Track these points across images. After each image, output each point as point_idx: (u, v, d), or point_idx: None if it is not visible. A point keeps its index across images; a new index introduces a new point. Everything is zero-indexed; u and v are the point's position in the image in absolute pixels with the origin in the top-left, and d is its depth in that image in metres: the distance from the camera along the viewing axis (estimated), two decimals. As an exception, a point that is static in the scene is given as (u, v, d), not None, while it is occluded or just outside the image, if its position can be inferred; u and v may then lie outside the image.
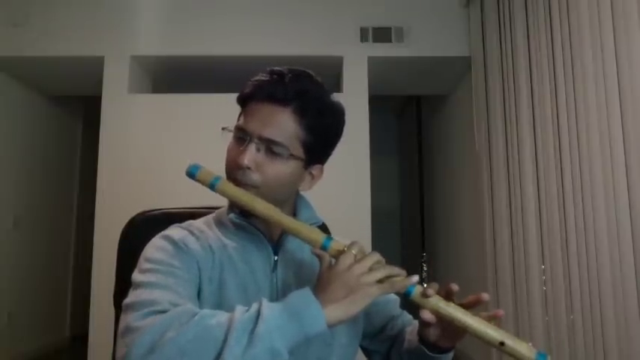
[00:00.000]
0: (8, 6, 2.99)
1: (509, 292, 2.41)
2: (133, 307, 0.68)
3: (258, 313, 0.64)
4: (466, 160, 3.30)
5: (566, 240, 1.92)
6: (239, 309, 0.65)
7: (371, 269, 0.70)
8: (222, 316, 0.64)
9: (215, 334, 0.61)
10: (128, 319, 0.66)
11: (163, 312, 0.65)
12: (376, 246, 2.89)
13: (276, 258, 0.84)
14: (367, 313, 0.91)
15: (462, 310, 0.73)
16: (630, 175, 1.57)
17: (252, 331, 0.62)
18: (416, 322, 0.88)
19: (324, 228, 1.06)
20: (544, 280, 2.13)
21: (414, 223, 4.62)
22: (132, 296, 0.70)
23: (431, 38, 3.05)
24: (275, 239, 0.86)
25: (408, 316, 0.97)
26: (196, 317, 0.64)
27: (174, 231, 0.83)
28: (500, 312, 0.75)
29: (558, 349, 1.97)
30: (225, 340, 0.60)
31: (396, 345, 0.92)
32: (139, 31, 3.04)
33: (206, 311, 0.66)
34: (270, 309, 0.64)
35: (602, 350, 1.69)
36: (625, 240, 1.58)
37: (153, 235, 0.83)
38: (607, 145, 1.67)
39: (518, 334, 2.31)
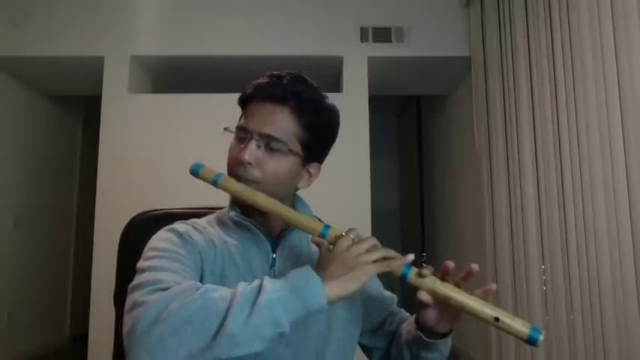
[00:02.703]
0: (8, 6, 2.99)
1: (509, 292, 2.42)
2: (138, 286, 0.69)
3: (260, 286, 0.66)
4: (466, 160, 3.30)
5: (566, 240, 1.92)
6: (241, 284, 0.68)
7: (368, 251, 0.73)
8: (225, 290, 0.67)
9: (218, 305, 0.63)
10: (134, 296, 0.68)
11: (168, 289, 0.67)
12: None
13: (274, 255, 0.86)
14: (366, 309, 0.93)
15: (458, 289, 0.74)
16: (630, 175, 1.57)
17: (254, 302, 0.64)
18: (413, 317, 0.89)
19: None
20: (544, 280, 2.13)
21: (414, 223, 4.62)
22: (137, 279, 0.72)
23: (431, 38, 3.05)
24: (274, 236, 0.88)
25: (405, 314, 0.98)
26: (200, 290, 0.66)
27: (179, 225, 0.86)
28: (493, 286, 0.77)
29: (558, 349, 1.97)
30: (228, 310, 0.63)
31: (395, 339, 0.93)
32: (139, 31, 3.04)
33: (209, 285, 0.68)
34: (271, 283, 0.67)
35: (602, 350, 1.69)
36: (625, 240, 1.58)
37: (152, 236, 0.83)
38: (607, 145, 1.67)
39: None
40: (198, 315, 0.62)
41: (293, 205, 0.92)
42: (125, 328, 0.65)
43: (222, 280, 0.80)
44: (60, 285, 4.03)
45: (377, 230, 2.95)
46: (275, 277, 0.83)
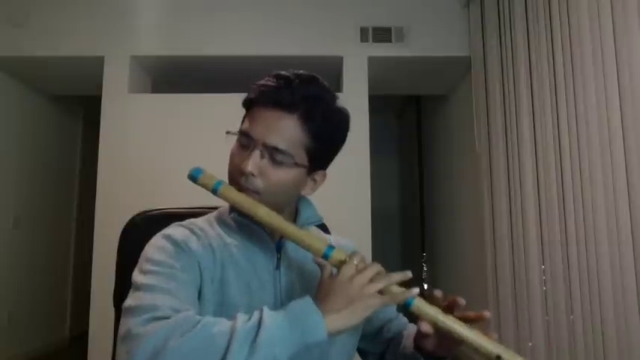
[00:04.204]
0: (8, 6, 2.99)
1: (509, 292, 2.41)
2: (133, 311, 0.68)
3: (260, 322, 0.64)
4: (466, 160, 3.30)
5: (566, 240, 1.92)
6: (240, 317, 0.66)
7: (372, 280, 0.70)
8: (223, 325, 0.65)
9: (217, 343, 0.62)
10: (129, 324, 0.66)
11: (164, 318, 0.65)
12: (376, 246, 2.90)
13: (278, 256, 0.84)
14: None
15: (460, 322, 0.73)
16: (630, 175, 1.57)
17: (254, 340, 0.62)
18: (411, 326, 0.89)
19: (323, 227, 1.07)
20: (544, 280, 2.13)
21: (414, 223, 4.61)
22: (133, 299, 0.70)
23: (431, 38, 3.05)
24: (277, 237, 0.86)
25: (403, 319, 0.98)
26: (199, 325, 0.64)
27: (176, 230, 0.82)
28: (487, 313, 0.77)
29: (558, 349, 1.97)
30: (227, 348, 0.61)
31: (391, 347, 0.93)
32: (139, 31, 3.04)
33: (208, 319, 0.66)
34: (271, 318, 0.65)
35: (602, 350, 1.69)
36: (625, 240, 1.58)
37: (153, 236, 0.82)
38: (607, 145, 1.67)
39: (518, 334, 2.32)
40: (196, 353, 0.61)
41: (297, 207, 0.89)
42: None
43: (222, 285, 0.78)
44: (60, 285, 4.03)
45: (377, 230, 2.95)
46: (280, 278, 0.83)
